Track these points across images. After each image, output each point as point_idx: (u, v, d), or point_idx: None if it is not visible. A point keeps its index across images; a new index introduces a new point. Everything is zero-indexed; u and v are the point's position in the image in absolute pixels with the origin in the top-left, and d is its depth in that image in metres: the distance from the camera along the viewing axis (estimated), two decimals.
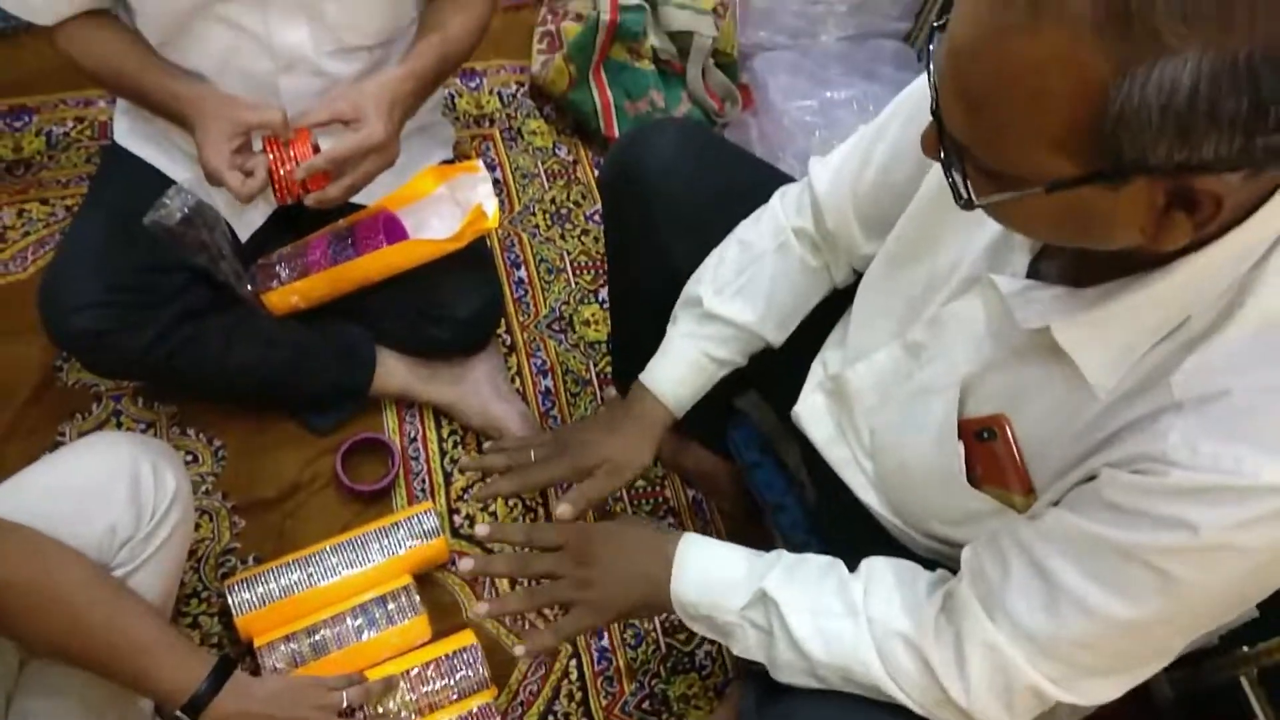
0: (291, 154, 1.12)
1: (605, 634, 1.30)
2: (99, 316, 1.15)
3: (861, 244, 0.97)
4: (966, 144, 0.59)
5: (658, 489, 1.42)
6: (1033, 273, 0.75)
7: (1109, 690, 0.71)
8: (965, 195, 0.62)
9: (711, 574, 0.85)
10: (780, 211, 1.02)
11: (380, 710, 1.10)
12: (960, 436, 0.80)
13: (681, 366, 1.02)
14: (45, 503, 0.95)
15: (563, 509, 0.95)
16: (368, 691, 1.03)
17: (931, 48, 0.61)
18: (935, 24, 0.62)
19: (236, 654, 1.19)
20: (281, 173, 1.12)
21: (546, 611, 1.26)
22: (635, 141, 1.10)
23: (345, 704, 0.98)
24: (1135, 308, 0.64)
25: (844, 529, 1.02)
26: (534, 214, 1.65)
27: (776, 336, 1.03)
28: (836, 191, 0.97)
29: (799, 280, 1.02)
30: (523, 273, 1.59)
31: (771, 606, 0.81)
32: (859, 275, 0.99)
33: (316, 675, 1.05)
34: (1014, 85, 0.53)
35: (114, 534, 0.98)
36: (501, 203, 1.66)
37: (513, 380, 1.47)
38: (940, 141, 0.61)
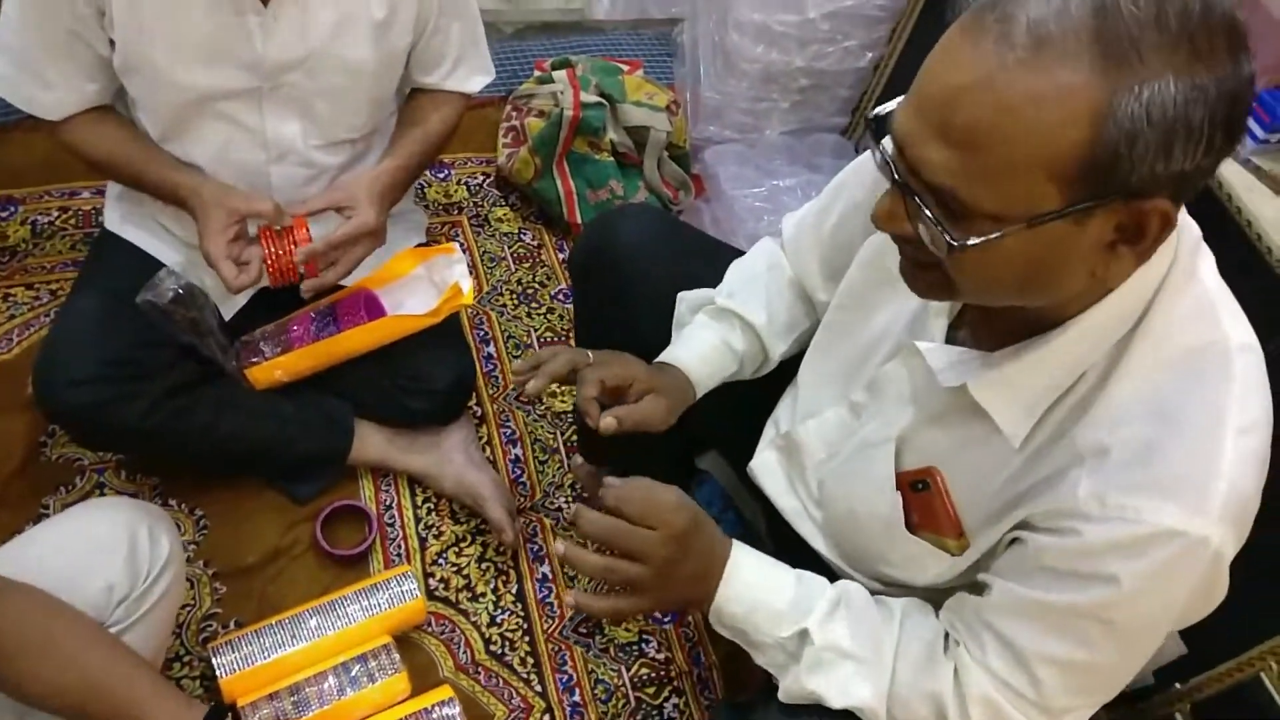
0: (286, 242, 1.21)
1: (577, 691, 1.35)
2: (95, 390, 1.21)
3: (819, 290, 1.07)
4: (950, 186, 0.63)
5: None
6: (950, 340, 0.85)
7: (1086, 711, 0.79)
8: (948, 242, 0.65)
9: (758, 596, 0.85)
10: (769, 243, 1.13)
11: None
12: (898, 487, 0.88)
13: (703, 346, 1.08)
14: (48, 561, 1.00)
15: (608, 420, 0.96)
16: None
17: (878, 129, 0.69)
18: (872, 113, 0.69)
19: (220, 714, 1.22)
20: (276, 259, 1.21)
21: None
22: (606, 224, 1.21)
23: None
24: (1037, 364, 0.74)
25: None
26: (501, 294, 1.75)
27: (777, 349, 1.11)
28: (798, 240, 1.08)
29: (789, 295, 1.10)
30: (491, 348, 1.68)
31: (808, 644, 0.83)
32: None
33: None
34: (1014, 118, 0.59)
35: (111, 592, 1.03)
36: None
37: (483, 449, 1.55)
38: (908, 201, 0.66)
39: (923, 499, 0.87)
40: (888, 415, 0.90)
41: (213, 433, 1.31)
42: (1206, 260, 0.76)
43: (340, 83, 1.25)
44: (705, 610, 0.87)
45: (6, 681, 0.90)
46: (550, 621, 1.41)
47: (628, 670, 1.38)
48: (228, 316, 1.38)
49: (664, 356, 1.08)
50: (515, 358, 1.68)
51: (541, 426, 1.60)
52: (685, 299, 1.14)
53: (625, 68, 1.92)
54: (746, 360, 1.11)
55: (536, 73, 1.94)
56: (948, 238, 0.65)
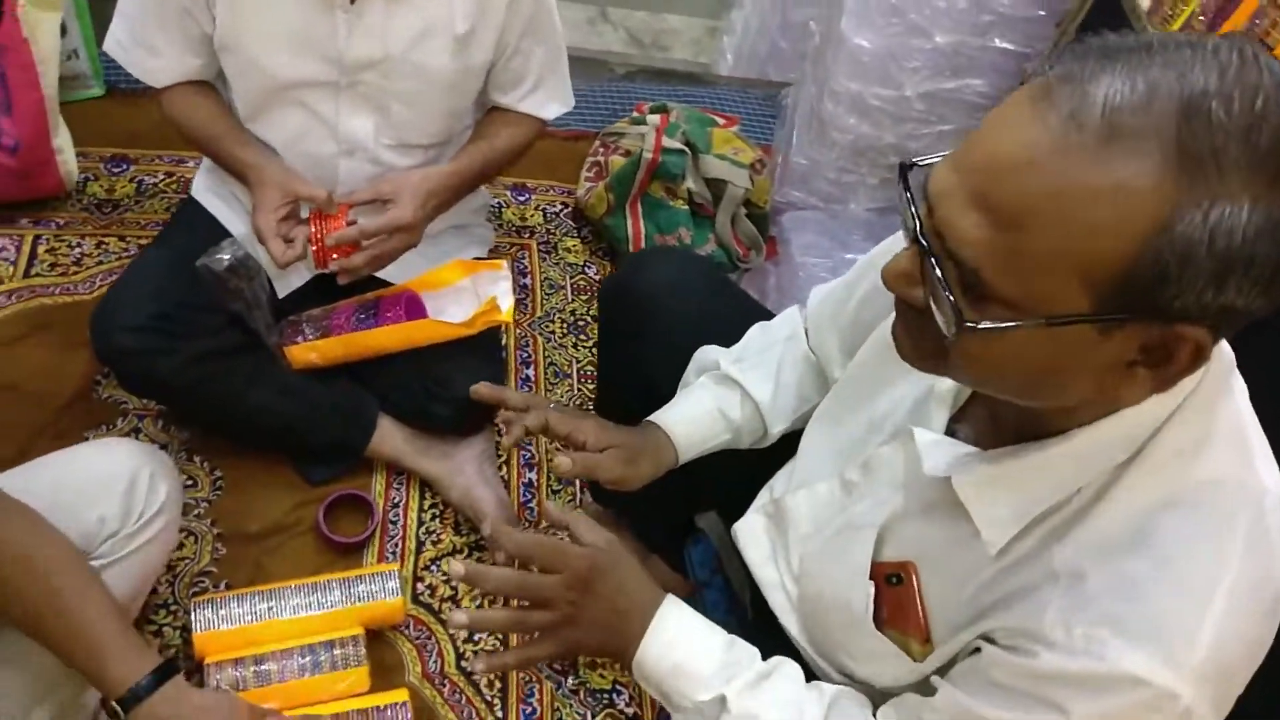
0: (331, 226, 1.27)
1: None
2: (139, 337, 1.28)
3: (835, 366, 1.03)
4: (975, 264, 0.57)
5: None
6: (950, 432, 0.81)
7: None
8: (957, 320, 0.59)
9: (681, 657, 0.82)
10: (795, 312, 1.11)
11: None
12: (872, 577, 0.84)
13: (695, 410, 1.06)
14: (51, 487, 1.05)
15: (562, 460, 0.95)
16: None
17: (913, 176, 0.62)
18: (908, 162, 0.63)
19: (189, 668, 1.26)
20: (320, 241, 1.26)
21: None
22: (639, 260, 1.22)
23: None
24: (1029, 471, 0.69)
25: (768, 654, 1.07)
26: (553, 321, 1.78)
27: (777, 425, 1.08)
28: (820, 313, 1.06)
29: (803, 369, 1.08)
30: (530, 371, 1.70)
31: (725, 712, 0.80)
32: None
33: (253, 702, 1.09)
34: (1067, 208, 0.52)
35: (102, 524, 1.08)
36: (524, 305, 1.79)
37: (500, 468, 1.57)
38: (925, 264, 0.60)
39: (895, 594, 0.83)
40: (877, 499, 0.86)
41: (240, 401, 1.37)
42: (1237, 390, 0.69)
43: (415, 88, 1.30)
44: (628, 663, 0.84)
45: None
46: None
47: (593, 716, 1.36)
48: (282, 295, 1.45)
49: (654, 416, 1.07)
50: (553, 385, 1.70)
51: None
52: (698, 358, 1.13)
53: (721, 121, 1.94)
54: (744, 431, 1.08)
55: (634, 114, 1.98)
56: (958, 315, 0.59)
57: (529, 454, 1.60)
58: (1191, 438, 0.66)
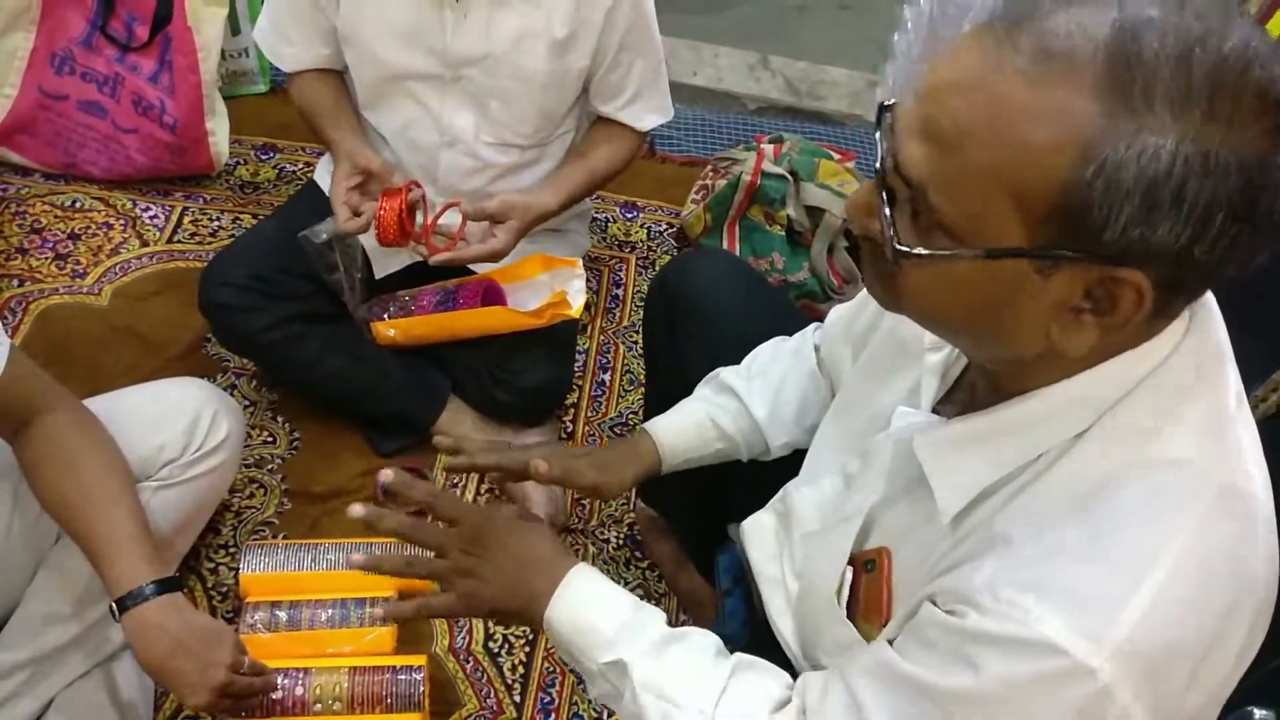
0: (396, 201, 1.34)
1: (553, 716, 1.34)
2: (234, 294, 1.40)
3: (847, 377, 1.01)
4: (922, 182, 0.57)
5: (653, 602, 1.46)
6: (937, 411, 0.78)
7: None
8: (894, 246, 0.60)
9: (586, 617, 0.82)
10: (810, 330, 1.10)
11: (306, 689, 1.20)
12: (852, 564, 0.82)
13: (685, 419, 1.07)
14: (124, 412, 1.16)
15: (539, 463, 0.96)
16: (253, 685, 1.07)
17: (886, 116, 0.62)
18: (885, 102, 0.64)
19: (235, 606, 1.35)
20: (381, 215, 1.34)
21: None
22: (681, 261, 1.23)
23: (230, 678, 1.02)
24: (988, 435, 0.67)
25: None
26: (638, 331, 1.80)
27: (777, 440, 1.07)
28: (834, 326, 1.05)
29: (806, 386, 1.07)
30: (607, 376, 1.73)
31: (626, 677, 0.80)
32: None
33: (247, 645, 1.11)
34: (1000, 126, 0.53)
35: (161, 451, 1.17)
36: (613, 314, 1.83)
37: None
38: (881, 186, 0.61)
39: (869, 581, 0.81)
40: (870, 487, 0.84)
41: (317, 364, 1.46)
42: (1228, 384, 0.64)
43: (512, 87, 1.37)
44: (538, 624, 0.84)
45: (27, 476, 1.05)
46: None
47: (609, 714, 1.34)
48: (379, 275, 1.55)
49: (646, 423, 1.08)
50: (626, 391, 1.71)
51: None
52: (708, 378, 1.12)
53: (836, 156, 1.93)
54: (741, 443, 1.08)
55: (752, 143, 2.00)
56: (895, 241, 0.59)
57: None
58: (1155, 415, 0.61)
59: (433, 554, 0.87)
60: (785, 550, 1.00)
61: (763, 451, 1.09)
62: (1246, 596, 0.60)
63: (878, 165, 0.61)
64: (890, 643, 0.70)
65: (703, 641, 0.81)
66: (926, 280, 0.61)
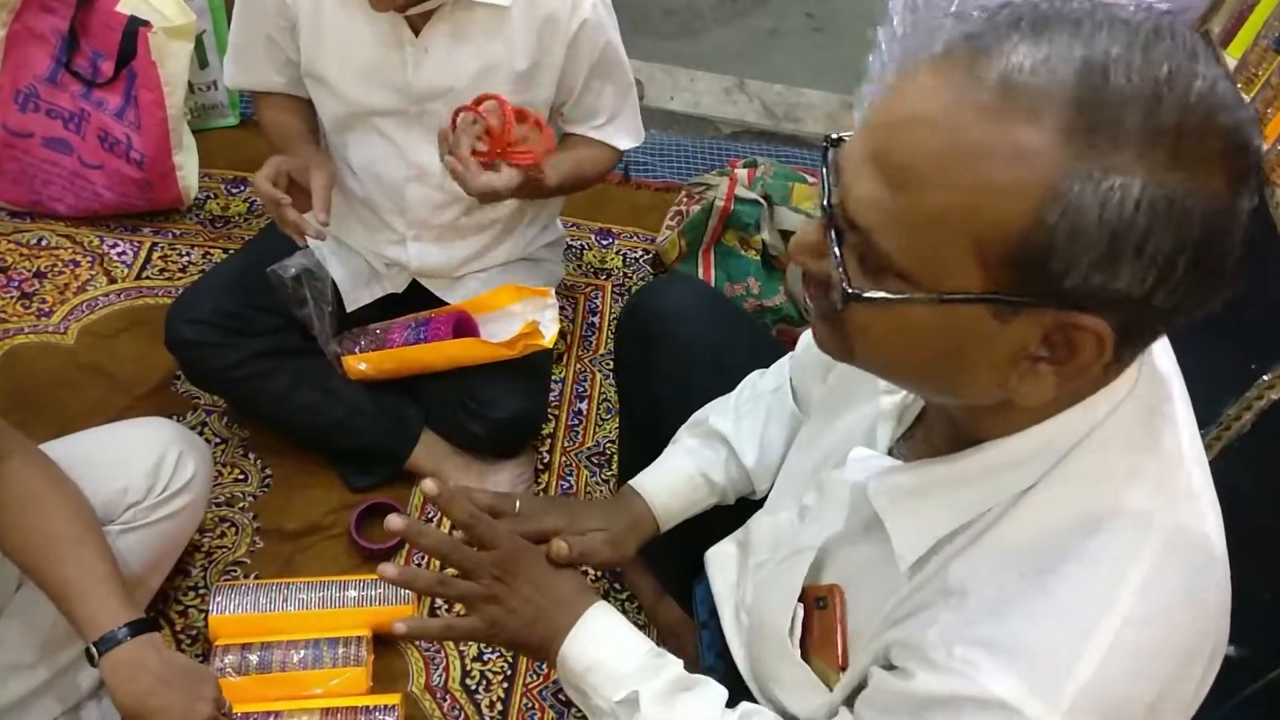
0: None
1: None
2: (201, 330, 1.38)
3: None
4: (870, 226, 0.54)
5: None
6: (893, 451, 0.77)
7: None
8: (844, 288, 0.57)
9: (601, 655, 0.81)
10: (786, 362, 1.08)
11: None
12: (802, 600, 0.81)
13: (676, 478, 1.04)
14: (86, 455, 1.13)
15: (559, 544, 0.89)
16: None
17: (831, 154, 0.60)
18: (833, 136, 0.61)
19: (205, 650, 1.32)
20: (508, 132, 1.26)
21: None
22: (651, 289, 1.22)
23: (215, 716, 1.00)
24: (944, 482, 0.66)
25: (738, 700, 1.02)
26: (613, 359, 1.79)
27: (763, 484, 1.05)
28: (806, 354, 1.03)
29: (789, 425, 1.05)
30: (584, 405, 1.71)
31: (636, 713, 0.79)
32: None
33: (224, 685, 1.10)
34: (959, 165, 0.50)
35: (125, 494, 1.15)
36: (589, 341, 1.81)
37: (535, 495, 1.57)
38: (829, 228, 0.58)
39: (821, 619, 0.79)
40: (824, 522, 0.83)
41: (287, 399, 1.44)
42: (1179, 423, 0.64)
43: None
44: (552, 658, 0.83)
45: None
46: (535, 677, 1.38)
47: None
48: (350, 309, 1.53)
49: (635, 480, 1.05)
50: (604, 420, 1.70)
51: (601, 491, 1.60)
52: (695, 418, 1.09)
53: (810, 179, 1.92)
54: (730, 492, 1.06)
55: (726, 168, 1.99)
56: (845, 283, 0.56)
57: (567, 485, 1.60)
58: (1107, 462, 0.60)
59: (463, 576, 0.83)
60: (741, 583, 0.99)
61: (749, 494, 1.07)
62: (1201, 639, 0.59)
63: (824, 203, 0.59)
64: (852, 706, 0.69)
65: (712, 695, 0.80)
66: (877, 325, 0.58)
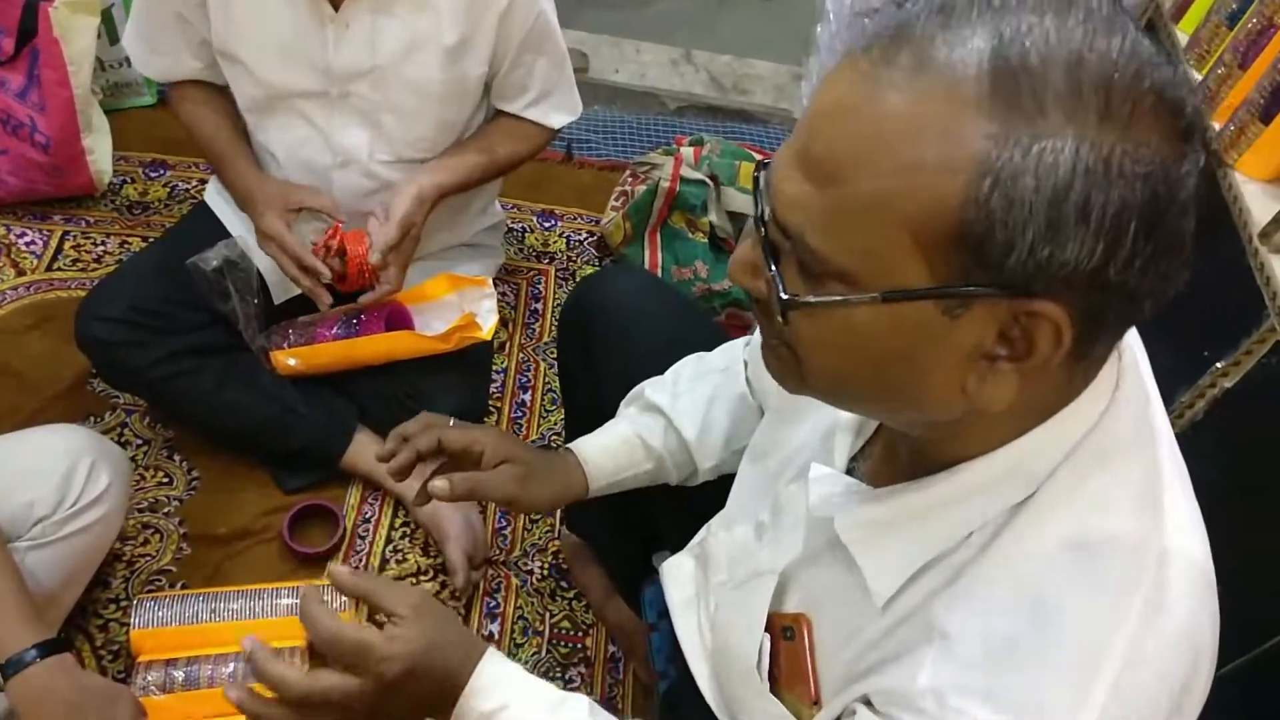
0: (359, 248, 1.30)
1: None
2: (115, 329, 1.30)
3: (771, 399, 0.95)
4: (802, 228, 0.51)
5: (579, 634, 1.40)
6: (851, 469, 0.73)
7: None
8: (779, 295, 0.54)
9: None
10: (737, 345, 1.04)
11: None
12: (769, 629, 0.76)
13: (611, 438, 1.00)
14: None
15: (437, 483, 0.88)
16: None
17: (760, 175, 0.57)
18: (764, 160, 0.59)
19: (128, 665, 1.25)
20: (363, 260, 1.30)
21: None
22: (595, 279, 1.17)
23: None
24: (916, 510, 0.61)
25: (692, 712, 0.98)
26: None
27: (706, 463, 1.01)
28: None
29: (735, 407, 1.01)
30: (527, 396, 1.66)
31: None
32: None
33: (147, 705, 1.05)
34: (882, 150, 0.48)
35: (31, 509, 1.08)
36: (532, 329, 1.75)
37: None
38: (763, 242, 0.55)
39: (789, 650, 0.74)
40: (782, 543, 0.78)
41: (213, 399, 1.37)
42: (1160, 437, 0.60)
43: (405, 100, 1.29)
44: None
45: None
46: None
47: None
48: (278, 301, 1.46)
49: (571, 443, 1.01)
50: (549, 411, 1.65)
51: None
52: (633, 394, 1.05)
53: (758, 157, 1.88)
54: (670, 464, 1.01)
55: (672, 145, 1.94)
56: (780, 287, 0.53)
57: None
58: (1090, 485, 0.56)
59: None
60: (702, 598, 0.94)
61: (691, 474, 1.02)
62: (1198, 665, 0.56)
63: (755, 217, 0.56)
64: None
65: None
66: (822, 336, 0.55)
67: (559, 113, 1.42)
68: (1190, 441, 1.09)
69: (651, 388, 1.02)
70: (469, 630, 0.78)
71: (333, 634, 0.73)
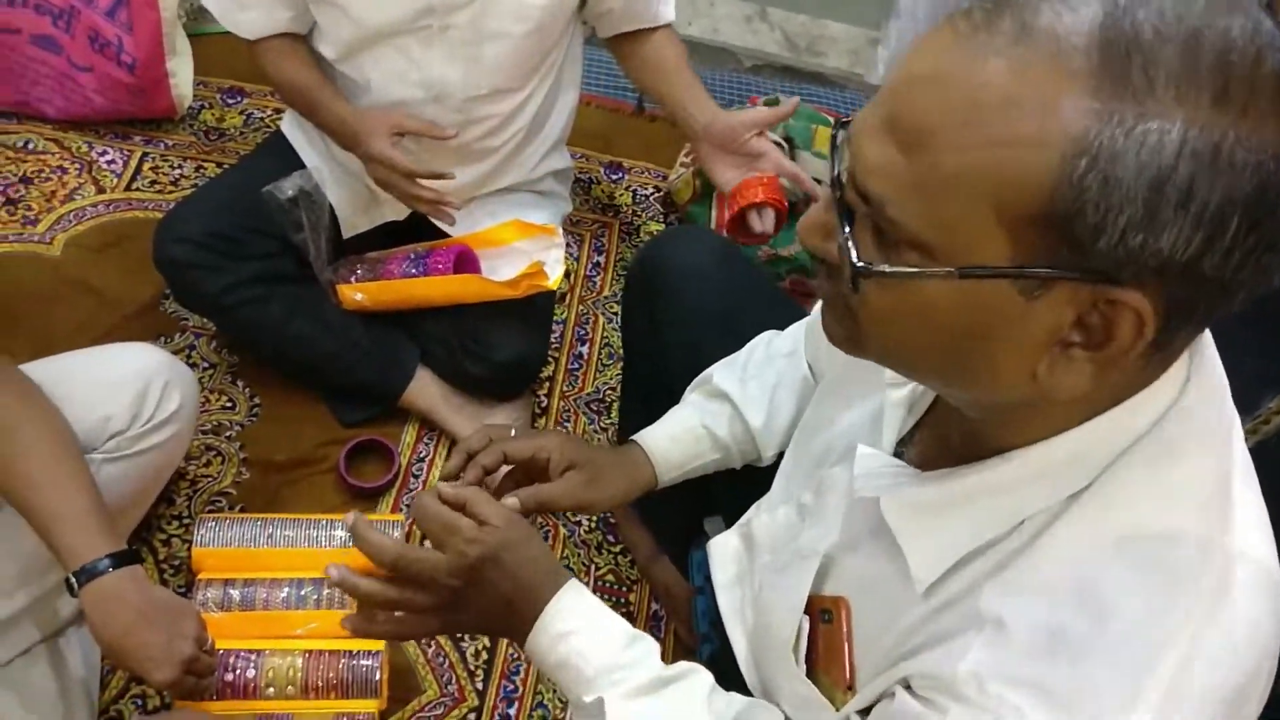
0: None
1: (515, 705, 1.29)
2: (191, 251, 1.32)
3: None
4: (883, 196, 0.50)
5: (623, 590, 1.42)
6: (899, 452, 0.72)
7: None
8: (852, 263, 0.52)
9: (568, 652, 0.74)
10: (804, 325, 1.03)
11: (259, 672, 1.16)
12: (808, 611, 0.76)
13: (678, 428, 1.00)
14: (68, 378, 1.09)
15: (509, 502, 0.86)
16: (213, 664, 1.05)
17: (840, 134, 0.56)
18: (843, 119, 0.57)
19: (187, 581, 1.29)
20: None
21: None
22: (662, 240, 1.16)
23: (195, 653, 0.99)
24: (966, 496, 0.60)
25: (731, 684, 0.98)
26: (619, 302, 1.73)
27: (770, 449, 1.01)
28: (818, 321, 0.98)
29: (800, 391, 1.00)
30: (584, 349, 1.66)
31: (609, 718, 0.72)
32: None
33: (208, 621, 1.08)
34: (975, 120, 0.46)
35: (108, 423, 1.11)
36: (593, 283, 1.75)
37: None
38: (837, 204, 0.54)
39: (827, 633, 0.74)
40: (825, 525, 0.78)
41: (281, 329, 1.39)
42: (1232, 438, 0.58)
43: (506, 28, 1.28)
44: (521, 646, 0.78)
45: None
46: None
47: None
48: (346, 237, 1.47)
49: (638, 434, 1.00)
50: (605, 366, 1.65)
51: (598, 439, 1.56)
52: (701, 378, 1.04)
53: (833, 121, 1.84)
54: (735, 452, 1.01)
55: (746, 105, 1.91)
56: (854, 259, 0.51)
57: (565, 429, 1.56)
58: (1156, 478, 0.55)
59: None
60: (747, 578, 0.94)
61: (755, 459, 1.02)
62: (1258, 671, 0.54)
63: (831, 178, 0.54)
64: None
65: (697, 685, 0.75)
66: (891, 307, 0.53)
67: (665, 6, 1.41)
68: (1276, 448, 1.05)
69: (720, 373, 1.01)
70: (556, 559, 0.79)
71: (431, 511, 0.76)
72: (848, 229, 0.52)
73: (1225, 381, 0.60)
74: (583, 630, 0.74)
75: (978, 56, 0.46)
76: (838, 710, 0.71)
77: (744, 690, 0.90)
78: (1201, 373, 0.57)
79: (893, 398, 0.73)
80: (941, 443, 0.68)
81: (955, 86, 0.47)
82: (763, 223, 1.31)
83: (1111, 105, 0.43)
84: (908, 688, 0.61)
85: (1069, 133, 0.44)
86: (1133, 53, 0.43)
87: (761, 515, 0.92)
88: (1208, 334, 0.61)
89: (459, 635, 1.33)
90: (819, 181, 1.72)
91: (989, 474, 0.59)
